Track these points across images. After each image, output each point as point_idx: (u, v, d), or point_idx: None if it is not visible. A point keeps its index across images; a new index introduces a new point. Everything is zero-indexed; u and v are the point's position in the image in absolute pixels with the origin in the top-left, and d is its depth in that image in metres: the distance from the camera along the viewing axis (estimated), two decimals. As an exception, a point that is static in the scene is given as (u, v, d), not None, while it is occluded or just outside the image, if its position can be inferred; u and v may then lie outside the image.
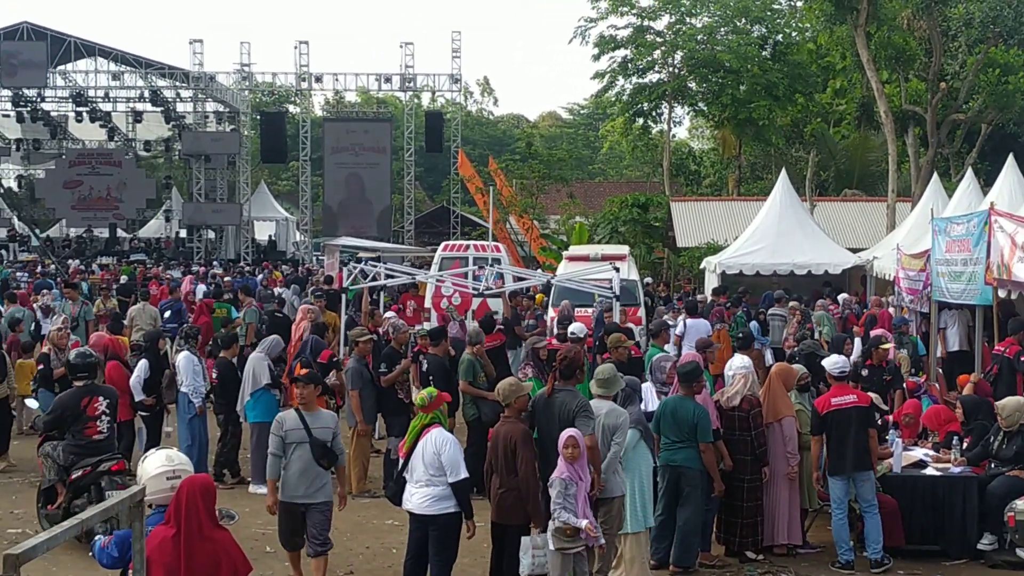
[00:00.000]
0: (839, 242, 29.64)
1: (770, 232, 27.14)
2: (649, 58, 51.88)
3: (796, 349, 16.57)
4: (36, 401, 13.95)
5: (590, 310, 20.90)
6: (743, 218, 34.26)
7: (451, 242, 30.49)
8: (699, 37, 50.90)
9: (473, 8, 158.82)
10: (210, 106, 57.99)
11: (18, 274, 35.06)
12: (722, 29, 51.65)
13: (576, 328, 16.31)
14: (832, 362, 11.56)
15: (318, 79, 54.68)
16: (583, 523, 8.83)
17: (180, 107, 56.95)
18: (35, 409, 13.28)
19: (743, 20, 51.76)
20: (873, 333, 16.73)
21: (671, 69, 52.05)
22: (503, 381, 10.06)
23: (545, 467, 9.39)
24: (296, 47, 54.04)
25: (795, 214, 27.80)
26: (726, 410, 11.25)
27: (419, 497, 9.29)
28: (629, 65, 52.12)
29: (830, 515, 11.32)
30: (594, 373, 10.32)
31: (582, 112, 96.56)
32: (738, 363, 11.75)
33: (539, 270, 36.79)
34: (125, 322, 21.08)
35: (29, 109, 54.20)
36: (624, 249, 28.94)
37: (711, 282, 27.39)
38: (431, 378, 13.39)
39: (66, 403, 11.71)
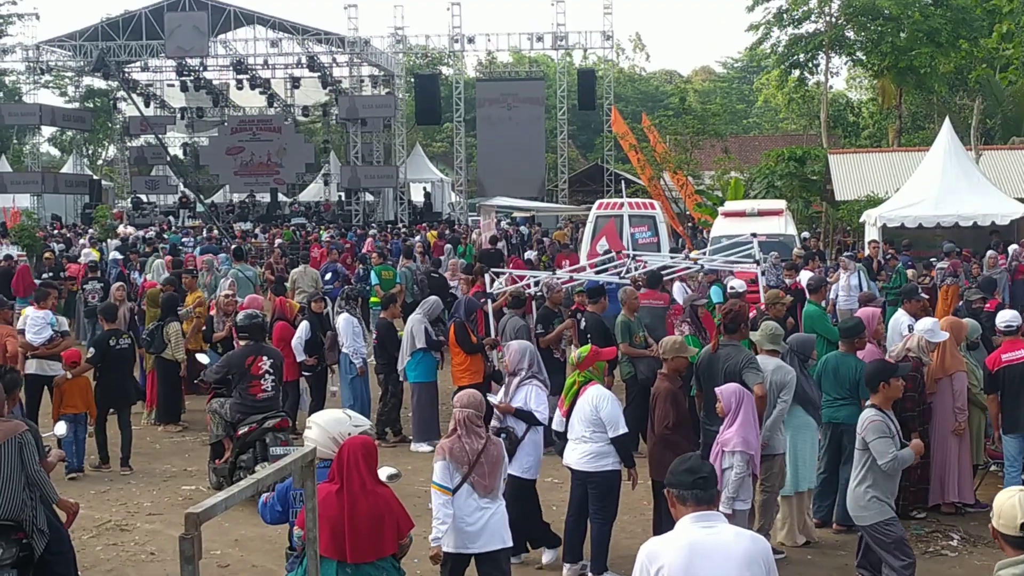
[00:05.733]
0: (1007, 192, 28.68)
1: (933, 183, 26.41)
2: (805, 8, 50.73)
3: (960, 304, 16.12)
4: (207, 356, 14.40)
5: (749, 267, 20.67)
6: (904, 170, 33.39)
7: (605, 200, 30.38)
8: (858, -16, 49.57)
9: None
10: (365, 70, 58.69)
11: (184, 239, 36.10)
12: (882, -26, 50.22)
13: (736, 284, 16.20)
14: (1002, 318, 11.20)
15: (471, 40, 54.87)
16: None
17: (336, 72, 57.79)
18: (205, 364, 13.74)
19: (903, -36, 50.23)
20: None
21: (828, 18, 50.81)
22: (667, 338, 10.08)
23: (709, 423, 9.42)
24: (449, 9, 54.29)
25: (959, 164, 26.97)
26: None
27: (578, 454, 9.35)
28: (784, 16, 51.06)
29: (1000, 474, 11.03)
30: (760, 328, 10.26)
31: (736, 65, 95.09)
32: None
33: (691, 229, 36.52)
34: (287, 284, 21.63)
35: (192, 78, 55.69)
36: (781, 204, 28.51)
37: (871, 235, 26.79)
38: (589, 336, 13.40)
39: (232, 361, 12.21)
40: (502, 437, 9.18)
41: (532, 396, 9.72)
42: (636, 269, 17.13)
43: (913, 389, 10.75)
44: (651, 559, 5.13)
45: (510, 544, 8.03)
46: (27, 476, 7.79)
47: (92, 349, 13.73)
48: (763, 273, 17.59)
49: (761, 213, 25.73)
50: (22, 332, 14.11)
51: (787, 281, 18.76)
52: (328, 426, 6.90)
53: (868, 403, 8.45)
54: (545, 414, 9.83)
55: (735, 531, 5.28)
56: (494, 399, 9.96)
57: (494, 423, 9.65)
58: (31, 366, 13.91)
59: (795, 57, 51.76)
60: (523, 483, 9.65)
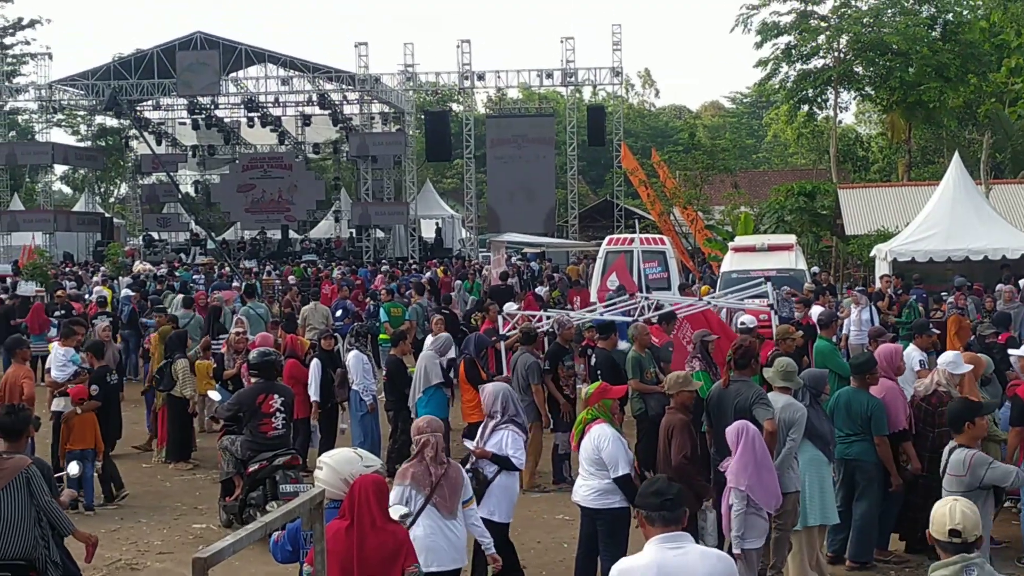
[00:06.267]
0: (1017, 226, 28.66)
1: (943, 217, 26.39)
2: (813, 43, 50.91)
3: (972, 338, 16.04)
4: (218, 393, 14.51)
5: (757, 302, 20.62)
6: (914, 204, 33.38)
7: (616, 235, 30.40)
8: (865, 20, 49.72)
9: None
10: (376, 107, 58.96)
11: (195, 276, 36.18)
12: (889, 11, 50.34)
13: (746, 319, 16.17)
14: (1029, 350, 11.16)
15: (480, 77, 55.09)
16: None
17: (347, 109, 58.06)
18: (217, 401, 13.87)
19: (911, 0, 50.37)
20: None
21: (836, 54, 50.98)
22: (672, 374, 10.09)
23: (719, 458, 9.42)
24: (458, 46, 54.60)
25: (969, 198, 26.97)
26: (916, 401, 10.89)
27: (585, 490, 9.41)
28: (793, 51, 51.25)
29: (1015, 510, 10.95)
30: (773, 364, 10.22)
31: (745, 101, 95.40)
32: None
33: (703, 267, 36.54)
34: (299, 321, 21.65)
35: (204, 116, 55.97)
36: (791, 238, 28.49)
37: (881, 270, 26.77)
38: (599, 372, 13.39)
39: (243, 399, 12.27)
40: (470, 476, 9.15)
41: (508, 440, 9.52)
42: (650, 308, 17.04)
43: (929, 426, 10.66)
44: None
45: (466, 563, 8.29)
46: (38, 508, 7.78)
47: (96, 386, 13.80)
48: (776, 312, 17.55)
49: (771, 248, 25.71)
50: (48, 370, 14.29)
51: (797, 315, 18.68)
52: (339, 466, 6.89)
53: (954, 444, 8.36)
54: (521, 459, 9.66)
55: (701, 551, 5.59)
56: (470, 444, 9.85)
57: (467, 465, 9.47)
58: (59, 404, 14.04)
59: (804, 92, 51.88)
60: (491, 526, 9.23)
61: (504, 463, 9.48)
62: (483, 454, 9.52)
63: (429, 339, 15.84)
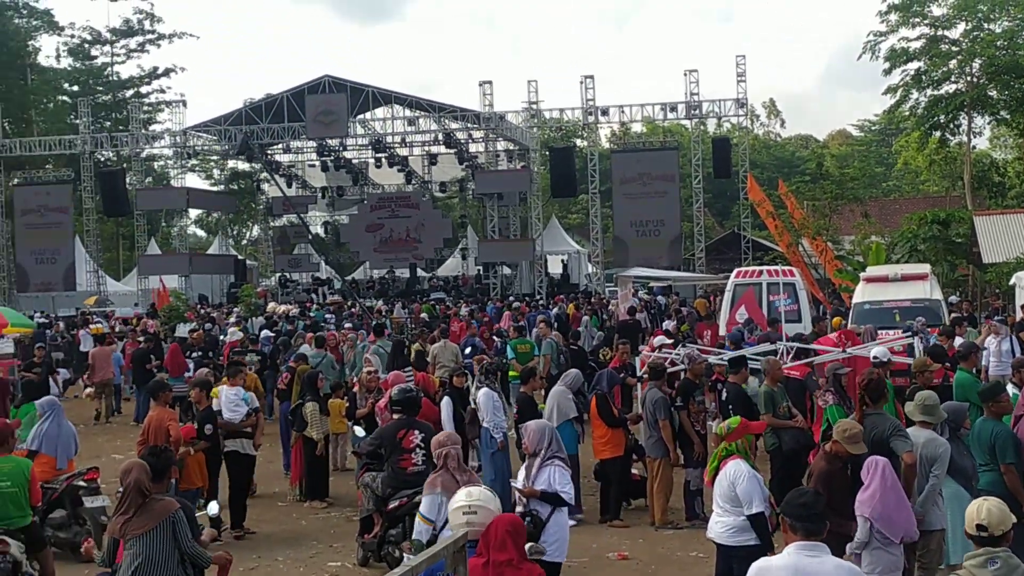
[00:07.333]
0: None
1: (1087, 243, 25.68)
2: (944, 68, 50.09)
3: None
4: (362, 430, 14.67)
5: (892, 332, 20.18)
6: (1056, 229, 32.54)
7: (743, 268, 30.10)
8: (999, 43, 48.71)
9: (757, 30, 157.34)
10: (501, 145, 59.32)
11: (327, 316, 36.72)
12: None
13: (879, 352, 15.83)
14: None
15: (604, 112, 55.04)
16: None
17: (472, 147, 58.50)
18: (360, 437, 14.07)
19: (1046, 21, 49.24)
20: None
21: (969, 78, 50.04)
22: (845, 421, 9.89)
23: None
24: (582, 82, 54.67)
25: (1114, 222, 26.21)
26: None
27: (720, 527, 9.34)
28: (923, 77, 50.49)
29: None
30: (915, 398, 10.00)
31: (873, 128, 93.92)
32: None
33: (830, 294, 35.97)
34: (428, 359, 21.80)
35: (333, 158, 56.97)
36: (925, 268, 27.92)
37: (1021, 299, 26.04)
38: (731, 407, 13.24)
39: (384, 434, 12.34)
40: (527, 521, 9.01)
41: (556, 476, 9.27)
42: (788, 353, 16.68)
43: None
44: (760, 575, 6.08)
45: None
46: (181, 552, 7.98)
47: (209, 425, 14.01)
48: (917, 348, 17.09)
49: (904, 278, 25.21)
50: (219, 412, 14.53)
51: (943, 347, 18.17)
52: (452, 508, 7.08)
53: None
54: (571, 493, 9.42)
55: (836, 562, 6.10)
56: (517, 484, 9.70)
57: (518, 508, 9.32)
58: (233, 445, 14.54)
59: (935, 118, 50.98)
60: (548, 567, 8.93)
61: (555, 500, 9.23)
62: (532, 493, 9.26)
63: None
